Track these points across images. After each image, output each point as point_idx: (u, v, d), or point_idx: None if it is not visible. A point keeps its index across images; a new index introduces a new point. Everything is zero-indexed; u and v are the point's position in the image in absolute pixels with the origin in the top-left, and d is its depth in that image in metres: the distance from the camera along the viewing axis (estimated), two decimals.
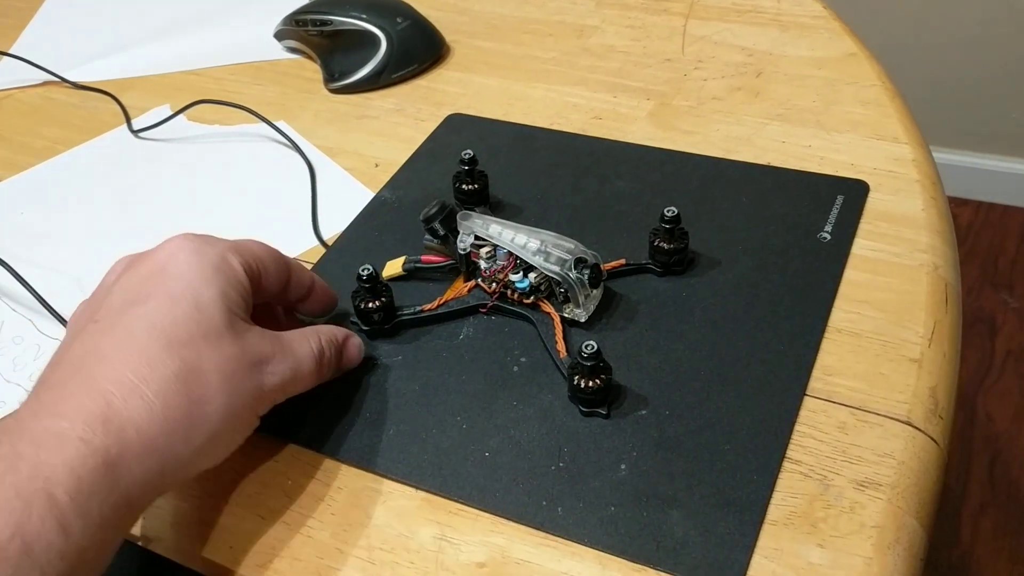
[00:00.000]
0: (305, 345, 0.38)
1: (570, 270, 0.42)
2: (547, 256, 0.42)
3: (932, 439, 0.37)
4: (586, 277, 0.42)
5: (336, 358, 0.40)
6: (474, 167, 0.49)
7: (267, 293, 0.40)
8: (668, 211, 0.44)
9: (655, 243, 0.45)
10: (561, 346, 0.41)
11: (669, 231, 0.44)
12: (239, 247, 0.39)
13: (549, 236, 0.43)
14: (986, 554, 1.10)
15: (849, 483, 0.36)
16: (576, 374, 0.39)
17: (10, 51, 0.74)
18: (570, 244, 0.43)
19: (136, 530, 0.38)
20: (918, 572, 0.34)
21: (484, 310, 0.44)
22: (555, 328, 0.42)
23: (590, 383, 0.38)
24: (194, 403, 0.33)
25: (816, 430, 0.38)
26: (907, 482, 0.36)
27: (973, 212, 1.59)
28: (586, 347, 0.38)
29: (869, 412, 0.38)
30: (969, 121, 1.55)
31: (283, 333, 0.38)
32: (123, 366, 0.32)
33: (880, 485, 0.35)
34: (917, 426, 0.38)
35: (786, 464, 0.37)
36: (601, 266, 0.43)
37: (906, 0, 1.45)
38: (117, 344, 0.33)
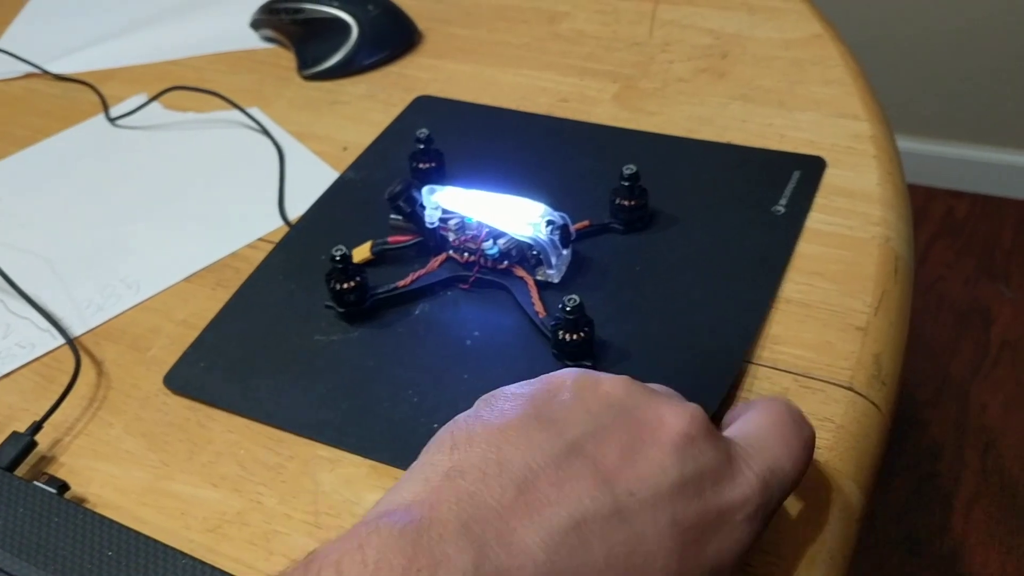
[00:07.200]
0: None
1: (540, 232, 0.43)
2: (516, 220, 0.43)
3: (874, 404, 0.38)
4: (557, 238, 0.43)
5: None
6: (430, 145, 0.49)
7: None
8: (627, 169, 0.45)
9: (616, 201, 0.46)
10: (539, 306, 0.42)
11: (628, 188, 0.45)
12: None
13: (516, 201, 0.44)
14: (978, 543, 1.10)
15: None
16: (560, 329, 0.39)
17: None
18: (538, 207, 0.43)
19: (90, 496, 0.39)
20: (854, 532, 0.34)
21: (466, 285, 0.45)
22: (531, 290, 0.43)
23: (574, 336, 0.39)
24: None
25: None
26: (845, 445, 0.36)
27: (970, 204, 1.59)
28: (568, 301, 0.39)
29: (812, 378, 0.39)
30: (965, 113, 1.54)
31: None
32: None
33: (818, 448, 0.36)
34: (859, 391, 0.38)
35: None
36: (570, 226, 0.44)
37: None
38: None
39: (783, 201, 0.47)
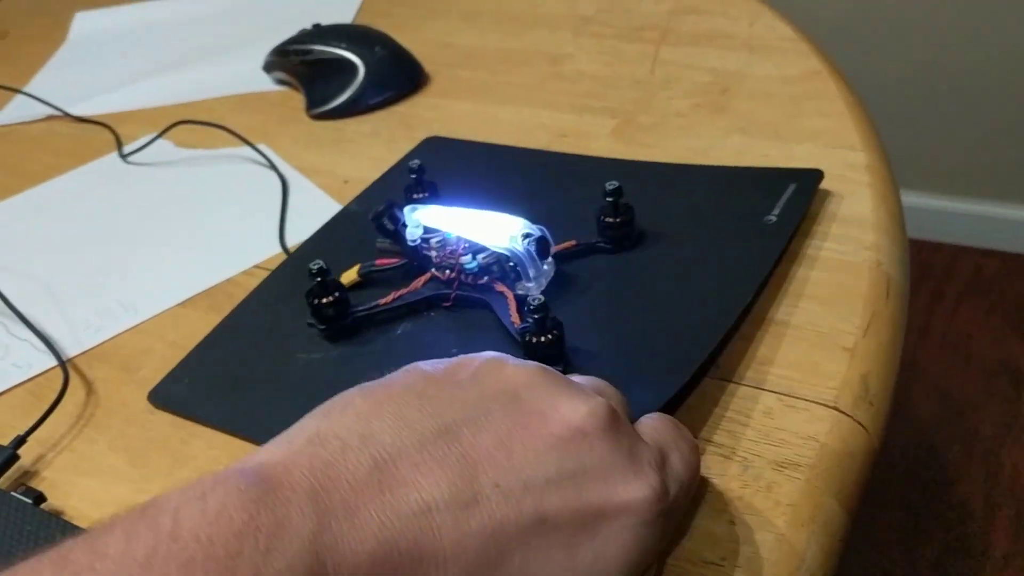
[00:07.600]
0: None
1: (517, 244, 0.43)
2: (495, 235, 0.43)
3: (859, 423, 0.37)
4: (533, 249, 0.43)
5: None
6: (422, 176, 0.50)
7: None
8: (609, 184, 0.45)
9: (601, 219, 0.45)
10: (517, 319, 0.42)
11: (612, 205, 0.45)
12: None
13: (494, 216, 0.44)
14: None
15: (768, 464, 0.35)
16: (527, 332, 0.39)
17: (24, 89, 0.78)
18: (518, 221, 0.43)
19: (68, 508, 0.39)
20: (835, 550, 0.33)
21: (448, 303, 0.44)
22: (509, 303, 0.43)
23: (542, 339, 0.38)
24: None
25: (742, 415, 0.37)
26: (828, 463, 0.35)
27: (999, 263, 1.56)
28: (532, 300, 0.38)
29: (797, 398, 0.38)
30: (993, 170, 1.53)
31: None
32: None
33: (800, 466, 0.35)
34: (844, 411, 0.37)
35: (709, 447, 0.36)
36: (548, 238, 0.43)
37: (927, 50, 1.45)
38: None
39: (776, 211, 0.46)
